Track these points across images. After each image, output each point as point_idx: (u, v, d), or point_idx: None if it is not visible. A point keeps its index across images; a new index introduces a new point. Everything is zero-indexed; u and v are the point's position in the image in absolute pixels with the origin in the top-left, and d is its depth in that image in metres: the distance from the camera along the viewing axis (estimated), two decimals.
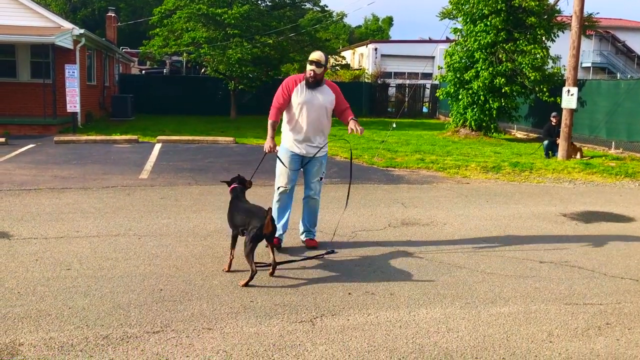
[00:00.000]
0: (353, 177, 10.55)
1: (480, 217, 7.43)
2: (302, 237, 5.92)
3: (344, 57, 36.04)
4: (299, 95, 5.65)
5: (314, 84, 5.62)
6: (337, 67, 33.61)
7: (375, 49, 41.14)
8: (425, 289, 4.61)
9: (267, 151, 5.68)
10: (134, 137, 15.83)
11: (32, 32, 17.08)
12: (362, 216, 7.28)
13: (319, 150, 5.80)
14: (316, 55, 5.62)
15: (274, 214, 5.66)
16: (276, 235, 5.29)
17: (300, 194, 5.99)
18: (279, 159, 5.79)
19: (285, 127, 5.87)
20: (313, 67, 5.54)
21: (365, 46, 44.11)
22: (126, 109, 23.63)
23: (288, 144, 5.85)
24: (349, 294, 4.44)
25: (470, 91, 19.00)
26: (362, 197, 8.55)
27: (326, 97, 5.72)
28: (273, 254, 4.88)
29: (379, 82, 33.80)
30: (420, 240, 6.18)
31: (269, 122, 5.71)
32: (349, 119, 5.68)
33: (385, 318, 3.96)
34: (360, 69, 40.41)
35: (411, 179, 10.58)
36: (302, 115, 5.70)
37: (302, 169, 5.92)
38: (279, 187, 5.82)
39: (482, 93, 18.60)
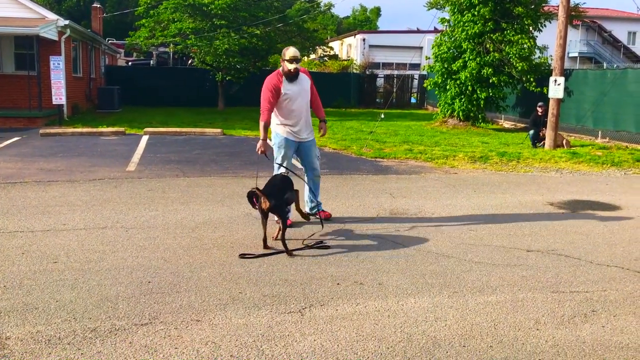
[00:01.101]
0: (342, 167, 10.55)
1: (468, 207, 7.46)
2: (314, 212, 6.50)
3: (332, 48, 35.93)
4: (284, 89, 6.10)
5: (294, 77, 6.12)
6: (325, 58, 33.53)
7: (364, 40, 41.05)
8: (413, 278, 4.64)
9: (259, 152, 6.01)
10: (121, 129, 15.73)
11: (15, 24, 16.86)
12: (350, 207, 7.29)
13: (309, 133, 6.43)
14: (292, 52, 6.07)
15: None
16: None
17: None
18: (277, 149, 6.32)
19: (276, 119, 6.31)
20: (294, 64, 6.03)
21: (353, 37, 43.98)
22: (113, 101, 23.45)
23: (283, 133, 6.30)
24: (338, 284, 4.45)
25: (458, 81, 19.04)
26: (350, 188, 8.56)
27: (305, 84, 6.29)
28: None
29: (367, 72, 33.76)
30: (408, 230, 6.20)
31: (262, 123, 6.07)
32: (321, 119, 6.57)
33: (374, 308, 3.98)
34: (349, 60, 40.31)
35: (399, 169, 10.60)
36: (291, 106, 6.19)
37: (297, 156, 6.54)
38: (283, 172, 6.16)
39: (469, 83, 18.65)
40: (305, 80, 6.30)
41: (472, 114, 19.44)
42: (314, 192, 6.57)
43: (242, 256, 5.05)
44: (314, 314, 3.84)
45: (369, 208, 7.25)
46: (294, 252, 5.20)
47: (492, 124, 21.20)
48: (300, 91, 6.20)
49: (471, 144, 14.67)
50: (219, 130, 16.11)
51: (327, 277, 4.61)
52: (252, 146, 13.55)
